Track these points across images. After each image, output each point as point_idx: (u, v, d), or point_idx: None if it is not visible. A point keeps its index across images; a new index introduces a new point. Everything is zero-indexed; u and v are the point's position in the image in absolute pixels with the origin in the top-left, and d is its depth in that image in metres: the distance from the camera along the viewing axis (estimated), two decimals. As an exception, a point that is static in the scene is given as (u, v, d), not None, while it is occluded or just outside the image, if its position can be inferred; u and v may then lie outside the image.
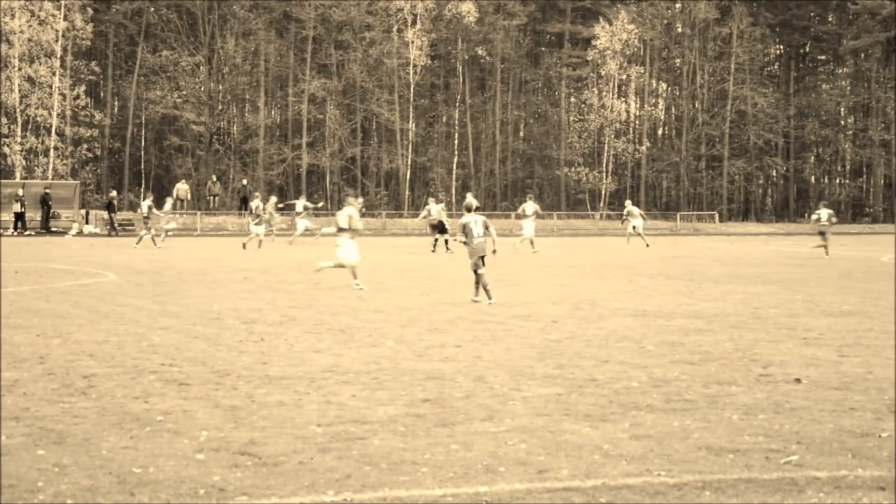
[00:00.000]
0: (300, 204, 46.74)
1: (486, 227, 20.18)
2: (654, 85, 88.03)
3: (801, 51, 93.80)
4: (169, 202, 48.22)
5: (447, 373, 11.61)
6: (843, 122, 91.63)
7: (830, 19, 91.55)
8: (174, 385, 10.80)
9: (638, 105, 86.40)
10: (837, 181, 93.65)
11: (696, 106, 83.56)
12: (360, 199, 23.76)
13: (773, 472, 7.52)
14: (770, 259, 36.27)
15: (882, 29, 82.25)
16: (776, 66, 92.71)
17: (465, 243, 20.30)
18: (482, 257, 19.75)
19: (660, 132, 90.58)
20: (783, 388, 10.75)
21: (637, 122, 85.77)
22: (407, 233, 60.89)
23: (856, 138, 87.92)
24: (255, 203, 42.73)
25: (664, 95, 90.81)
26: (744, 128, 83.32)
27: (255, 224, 41.39)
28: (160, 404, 9.80)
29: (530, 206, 41.15)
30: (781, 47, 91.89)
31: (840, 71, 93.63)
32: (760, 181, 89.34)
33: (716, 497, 6.95)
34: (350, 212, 22.84)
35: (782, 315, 17.70)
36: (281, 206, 51.43)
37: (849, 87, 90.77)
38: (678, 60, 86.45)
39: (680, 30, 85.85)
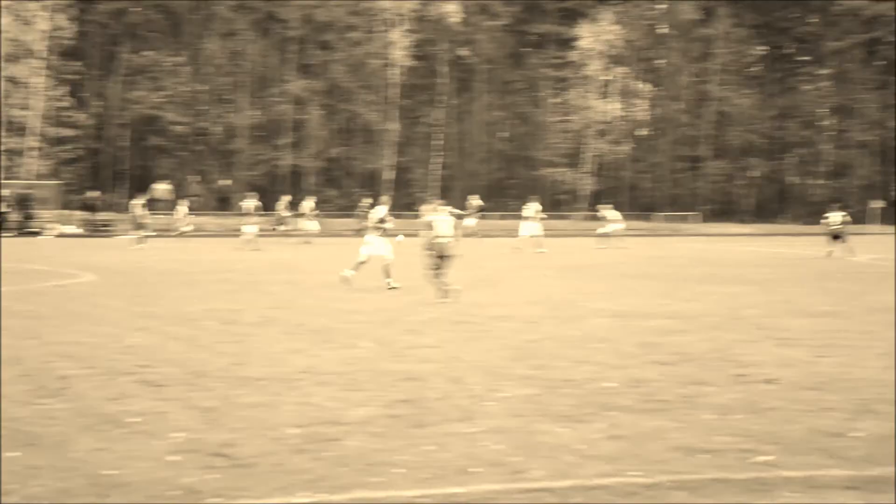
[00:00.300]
0: (307, 205, 45.64)
1: (454, 229, 20.33)
2: (637, 86, 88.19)
3: (783, 52, 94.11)
4: (184, 206, 48.16)
5: (424, 374, 11.61)
6: (823, 123, 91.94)
7: (812, 20, 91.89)
8: (149, 386, 10.76)
9: (620, 106, 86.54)
10: (817, 182, 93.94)
11: (679, 107, 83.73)
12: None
13: (746, 472, 7.55)
14: (749, 260, 36.38)
15: (863, 30, 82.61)
16: (758, 67, 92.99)
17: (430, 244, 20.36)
18: (442, 257, 19.91)
19: (642, 133, 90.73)
20: (758, 389, 10.79)
21: (619, 122, 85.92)
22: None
23: (836, 139, 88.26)
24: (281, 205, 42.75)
25: (647, 96, 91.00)
26: (725, 128, 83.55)
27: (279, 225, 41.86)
28: (135, 406, 9.77)
29: (532, 208, 42.35)
30: (763, 48, 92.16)
31: (821, 72, 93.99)
32: (741, 182, 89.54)
33: (690, 497, 6.98)
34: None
35: (759, 316, 17.76)
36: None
37: (830, 88, 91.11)
38: (661, 61, 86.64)
39: (663, 30, 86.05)
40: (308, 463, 7.74)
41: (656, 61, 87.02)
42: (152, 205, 48.90)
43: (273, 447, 8.21)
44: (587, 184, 77.16)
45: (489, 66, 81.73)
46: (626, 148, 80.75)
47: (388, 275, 22.64)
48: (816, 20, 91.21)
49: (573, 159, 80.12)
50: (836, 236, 37.69)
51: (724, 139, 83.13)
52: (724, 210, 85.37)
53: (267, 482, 7.22)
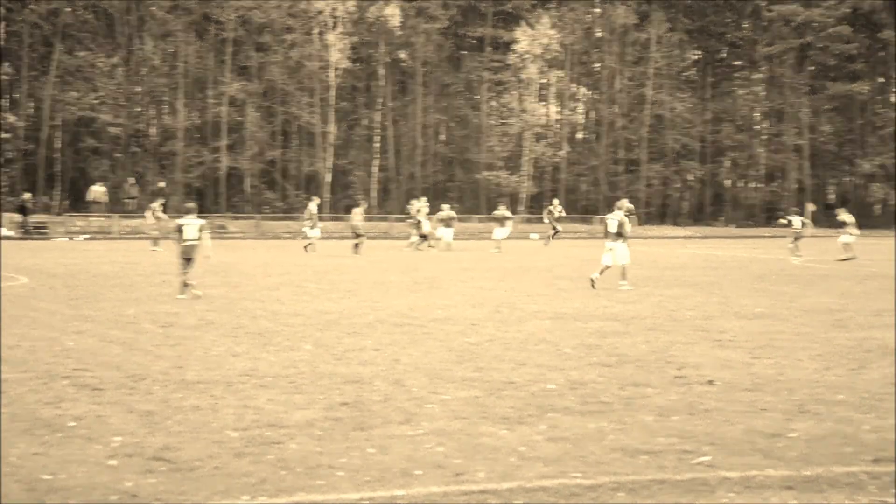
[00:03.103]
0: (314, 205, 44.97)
1: (201, 231, 21.27)
2: (574, 89, 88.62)
3: (718, 56, 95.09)
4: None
5: (365, 376, 11.59)
6: (757, 127, 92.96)
7: (745, 26, 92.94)
8: (87, 390, 10.65)
9: (558, 109, 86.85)
10: (752, 185, 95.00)
11: (615, 110, 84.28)
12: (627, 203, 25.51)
13: (685, 473, 7.63)
14: (686, 262, 36.73)
15: (795, 35, 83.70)
16: (693, 72, 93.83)
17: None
18: (188, 259, 21.03)
19: (579, 136, 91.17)
20: (697, 390, 10.90)
21: (557, 125, 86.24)
22: (327, 236, 60.71)
23: (770, 143, 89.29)
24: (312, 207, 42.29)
25: (584, 99, 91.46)
26: (661, 132, 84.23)
27: (311, 228, 41.34)
28: (73, 410, 9.66)
29: (501, 212, 45.20)
30: (698, 53, 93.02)
31: (755, 76, 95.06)
32: (677, 185, 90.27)
33: (630, 498, 7.04)
34: (620, 217, 24.60)
35: (697, 317, 17.95)
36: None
37: (763, 93, 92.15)
38: (597, 65, 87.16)
39: (599, 34, 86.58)
40: (249, 466, 7.70)
41: (593, 65, 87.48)
42: (88, 207, 48.21)
43: (214, 450, 8.16)
44: (526, 187, 77.35)
45: (427, 69, 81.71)
46: (563, 151, 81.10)
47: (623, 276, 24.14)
48: (749, 25, 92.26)
49: (512, 162, 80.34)
50: (796, 238, 38.34)
51: (661, 142, 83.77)
52: (660, 213, 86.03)
53: (208, 486, 7.17)
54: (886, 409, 9.96)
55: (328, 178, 74.46)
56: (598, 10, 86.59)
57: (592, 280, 24.14)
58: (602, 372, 12.02)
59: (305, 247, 40.92)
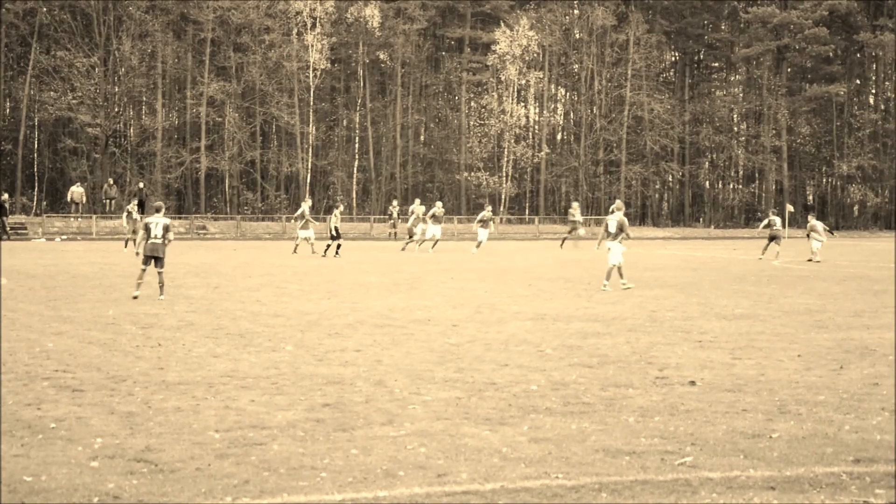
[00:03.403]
0: (306, 206, 44.69)
1: (167, 230, 21.35)
2: (553, 90, 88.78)
3: (696, 58, 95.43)
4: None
5: (347, 377, 11.58)
6: (736, 129, 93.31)
7: (723, 27, 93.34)
8: (68, 391, 10.60)
9: (537, 110, 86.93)
10: (731, 186, 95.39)
11: (594, 111, 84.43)
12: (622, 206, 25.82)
13: (667, 474, 7.65)
14: (666, 263, 36.83)
15: (772, 37, 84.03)
16: (672, 73, 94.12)
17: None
18: (155, 258, 21.10)
19: (559, 137, 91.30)
20: (678, 391, 10.93)
21: (536, 127, 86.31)
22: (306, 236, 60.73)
23: (748, 144, 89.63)
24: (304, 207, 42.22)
25: (563, 101, 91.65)
26: (640, 133, 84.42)
27: (302, 229, 41.26)
28: (53, 411, 9.61)
29: (486, 214, 45.16)
30: (677, 54, 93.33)
31: (733, 78, 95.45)
32: (657, 186, 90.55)
33: (612, 498, 7.05)
34: (619, 217, 24.68)
35: (678, 318, 18.00)
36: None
37: (741, 94, 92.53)
38: (576, 66, 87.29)
39: (578, 36, 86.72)
40: (232, 467, 7.68)
41: (571, 66, 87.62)
42: (67, 208, 47.92)
43: (196, 452, 8.13)
44: (506, 188, 77.40)
45: (407, 70, 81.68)
46: (543, 152, 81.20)
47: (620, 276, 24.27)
48: (727, 27, 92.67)
49: (492, 163, 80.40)
50: (773, 238, 38.53)
51: (640, 144, 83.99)
52: (640, 214, 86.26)
53: (190, 487, 7.15)
54: (866, 410, 10.01)
55: (308, 178, 74.35)
56: (576, 12, 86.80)
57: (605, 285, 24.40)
58: (584, 373, 12.03)
59: (295, 248, 40.93)
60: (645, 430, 9.07)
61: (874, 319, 18.01)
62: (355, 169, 77.79)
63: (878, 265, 35.60)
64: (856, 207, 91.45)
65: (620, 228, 24.47)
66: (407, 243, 44.30)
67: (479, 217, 45.55)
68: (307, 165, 74.09)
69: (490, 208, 47.97)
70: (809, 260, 37.20)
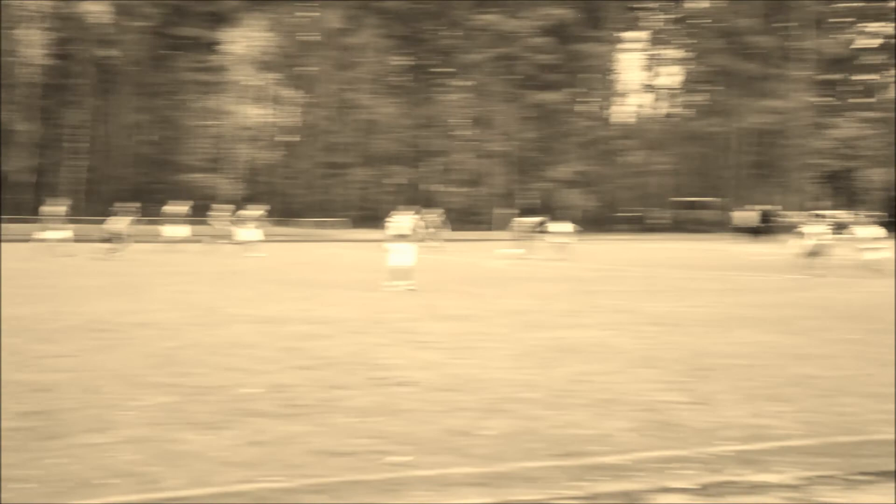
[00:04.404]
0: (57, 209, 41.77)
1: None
2: (284, 92, 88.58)
3: (425, 63, 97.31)
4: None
5: (58, 384, 11.18)
6: (461, 133, 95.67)
7: (449, 34, 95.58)
8: None
9: (268, 111, 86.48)
10: (455, 189, 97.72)
11: (325, 114, 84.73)
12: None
13: (381, 473, 7.77)
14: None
15: (499, 45, 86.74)
16: (402, 77, 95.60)
17: None
18: None
19: (289, 139, 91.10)
20: (395, 391, 11.11)
21: (268, 128, 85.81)
22: (25, 238, 58.10)
23: (474, 148, 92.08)
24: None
25: (295, 103, 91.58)
26: (370, 136, 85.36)
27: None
28: None
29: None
30: (407, 59, 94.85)
31: (460, 83, 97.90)
32: (385, 188, 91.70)
33: (330, 499, 7.11)
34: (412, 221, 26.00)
35: (400, 320, 18.28)
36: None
37: (468, 100, 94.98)
38: (309, 68, 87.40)
39: (308, 38, 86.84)
40: (-73, 482, 7.30)
41: (304, 68, 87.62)
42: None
43: None
44: (234, 189, 76.57)
45: (134, 68, 79.56)
46: (274, 154, 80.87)
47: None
48: (456, 34, 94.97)
49: (219, 164, 79.37)
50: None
51: (369, 147, 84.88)
52: (370, 216, 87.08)
53: None
54: (569, 405, 10.46)
55: (29, 178, 71.27)
56: (307, 15, 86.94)
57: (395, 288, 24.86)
58: (303, 375, 12.05)
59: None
60: (361, 430, 9.18)
61: (583, 319, 18.88)
62: (79, 168, 75.21)
63: (593, 267, 37.29)
64: (573, 211, 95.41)
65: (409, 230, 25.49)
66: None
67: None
68: (26, 164, 71.07)
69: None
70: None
